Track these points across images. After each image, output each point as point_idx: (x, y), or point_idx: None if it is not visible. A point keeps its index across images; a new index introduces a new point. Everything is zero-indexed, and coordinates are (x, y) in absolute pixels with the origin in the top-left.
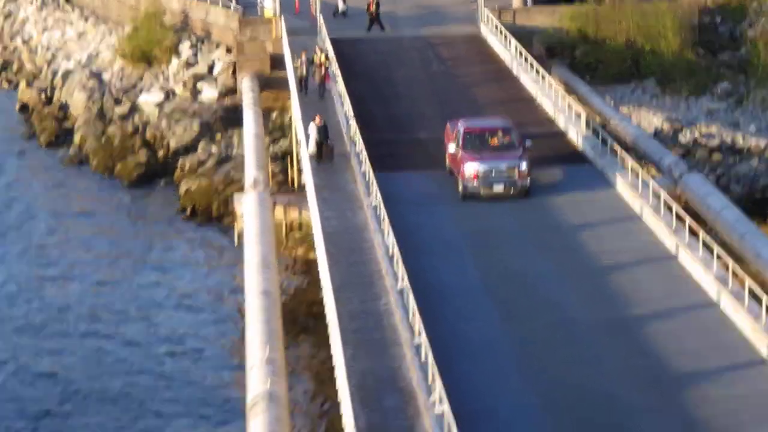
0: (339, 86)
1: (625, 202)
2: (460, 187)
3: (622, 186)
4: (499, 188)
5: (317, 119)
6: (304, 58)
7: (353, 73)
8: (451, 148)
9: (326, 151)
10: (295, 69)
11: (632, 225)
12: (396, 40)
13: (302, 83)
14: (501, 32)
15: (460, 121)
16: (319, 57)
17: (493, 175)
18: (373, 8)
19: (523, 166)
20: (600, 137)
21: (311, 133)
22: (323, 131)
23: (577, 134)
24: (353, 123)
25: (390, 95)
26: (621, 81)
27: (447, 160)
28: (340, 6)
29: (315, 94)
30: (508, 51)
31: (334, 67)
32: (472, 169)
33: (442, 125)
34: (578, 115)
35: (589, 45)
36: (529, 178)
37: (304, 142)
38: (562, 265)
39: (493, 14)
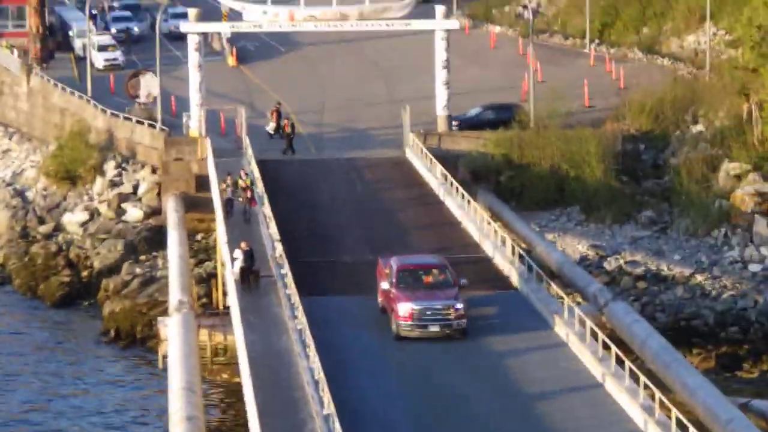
0: (264, 208)
1: (552, 330)
2: (394, 327)
3: (547, 314)
4: (434, 329)
5: (243, 244)
6: (229, 181)
7: (278, 194)
8: (384, 285)
9: (252, 277)
10: (221, 192)
11: (558, 353)
12: (321, 162)
13: (227, 207)
14: (426, 156)
15: (393, 258)
16: (244, 180)
17: (429, 314)
18: (288, 129)
19: (459, 305)
20: (526, 264)
21: (237, 258)
22: (249, 256)
23: (502, 260)
24: (278, 246)
25: (315, 217)
26: (546, 207)
27: (379, 297)
28: (270, 126)
29: (240, 218)
30: (433, 175)
31: (260, 190)
32: (406, 308)
33: (367, 248)
34: (503, 242)
35: (513, 170)
36: (465, 319)
37: (229, 266)
38: (490, 393)
39: (418, 138)
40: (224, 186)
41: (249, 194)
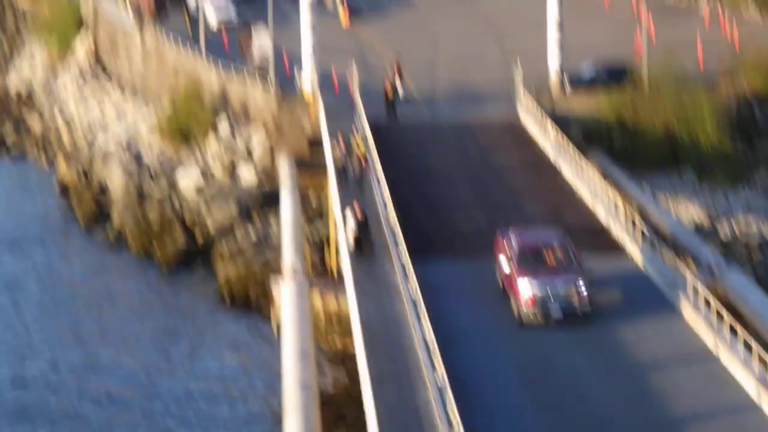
0: (377, 172)
1: (665, 298)
2: (515, 310)
3: (660, 281)
4: (558, 314)
5: (357, 212)
6: (341, 141)
7: (391, 157)
8: (503, 263)
9: (366, 246)
10: (335, 159)
11: (673, 323)
12: (433, 124)
13: (341, 172)
14: (539, 116)
15: (512, 234)
16: (356, 143)
17: (552, 298)
18: (390, 95)
19: (584, 288)
20: (639, 229)
21: (350, 226)
22: (363, 225)
23: (615, 224)
24: (392, 212)
25: (427, 181)
26: (659, 168)
27: (497, 273)
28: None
29: (354, 182)
30: (546, 136)
31: (373, 154)
32: (528, 291)
33: (480, 213)
34: (616, 206)
35: (627, 132)
36: (590, 303)
37: (343, 235)
38: (599, 361)
39: (530, 98)
40: (337, 150)
41: (363, 159)
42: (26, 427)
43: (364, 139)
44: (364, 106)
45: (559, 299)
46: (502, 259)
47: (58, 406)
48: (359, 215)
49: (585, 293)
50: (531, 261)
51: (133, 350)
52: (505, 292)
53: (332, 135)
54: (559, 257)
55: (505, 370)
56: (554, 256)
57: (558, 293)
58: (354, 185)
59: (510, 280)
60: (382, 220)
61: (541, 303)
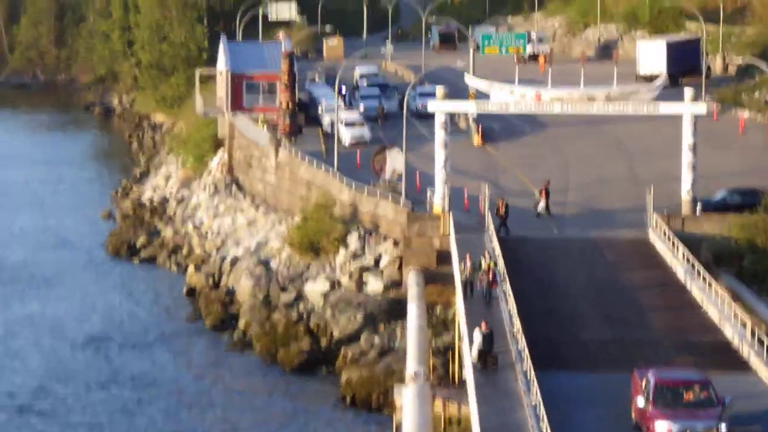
0: (506, 286)
1: None
2: None
3: None
4: None
5: (483, 326)
6: (468, 262)
7: (518, 271)
8: (640, 401)
9: (491, 361)
10: (461, 272)
11: None
12: (562, 240)
13: (468, 287)
14: (669, 239)
15: (650, 372)
16: (487, 262)
17: None
18: (502, 211)
19: (723, 428)
20: (766, 347)
21: (476, 339)
22: (488, 339)
23: (742, 343)
24: (516, 321)
25: (553, 295)
26: None
27: (632, 413)
28: (540, 205)
29: (481, 299)
30: (675, 257)
31: (502, 270)
32: (664, 429)
33: (606, 327)
34: (744, 325)
35: (757, 255)
36: None
37: (467, 349)
38: None
39: (662, 220)
40: (463, 267)
41: (491, 276)
42: None
43: (494, 261)
44: (494, 223)
45: None
46: (639, 400)
47: None
48: (485, 329)
49: None
50: (669, 398)
51: None
52: (639, 430)
53: (461, 248)
54: (699, 397)
55: None
56: (693, 395)
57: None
58: (481, 301)
59: (644, 419)
60: (508, 333)
61: None
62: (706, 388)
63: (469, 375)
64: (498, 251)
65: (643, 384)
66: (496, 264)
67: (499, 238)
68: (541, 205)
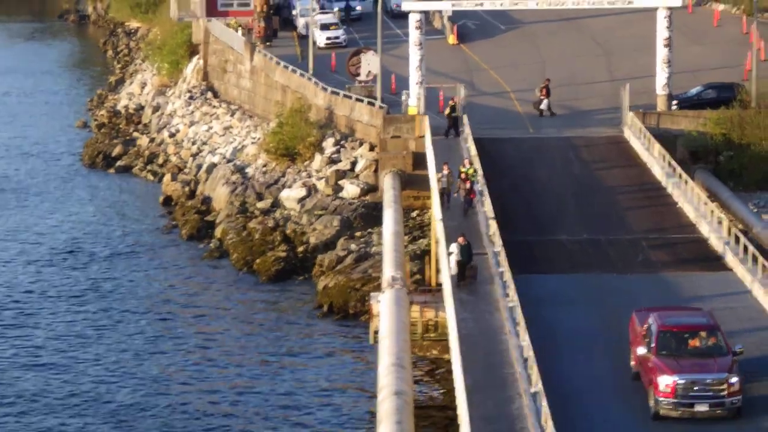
0: (484, 198)
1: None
2: (651, 402)
3: (762, 296)
4: (702, 408)
5: (460, 239)
6: (446, 171)
7: (495, 171)
8: (641, 349)
9: (469, 273)
10: (438, 181)
11: None
12: (538, 140)
13: (445, 196)
14: (644, 136)
15: (652, 315)
16: (466, 171)
17: (696, 390)
18: (448, 111)
19: (734, 379)
20: (741, 244)
21: (453, 252)
22: (466, 251)
23: (718, 241)
24: (492, 223)
25: (531, 196)
26: (765, 188)
27: (632, 360)
28: (543, 104)
29: (458, 208)
30: (651, 155)
31: (481, 181)
32: (668, 381)
33: (583, 227)
34: (720, 222)
35: (733, 150)
36: (740, 396)
37: (445, 261)
38: None
39: (637, 117)
40: (440, 176)
41: (468, 185)
42: (129, 427)
43: (474, 169)
44: (470, 123)
45: (706, 392)
46: (640, 348)
47: (157, 410)
48: (462, 241)
49: (737, 385)
50: (673, 346)
51: (234, 356)
52: (638, 380)
53: (437, 150)
54: (707, 344)
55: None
56: (700, 342)
57: (705, 384)
58: (459, 211)
59: (647, 369)
60: (484, 236)
61: (683, 394)
62: (714, 333)
63: (446, 281)
64: (473, 152)
65: (644, 330)
66: (476, 172)
67: (475, 138)
68: (545, 103)
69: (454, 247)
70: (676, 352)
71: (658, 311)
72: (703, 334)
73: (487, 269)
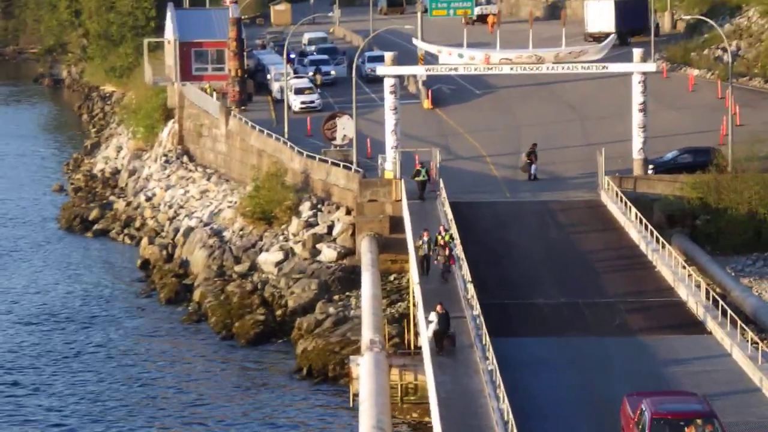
0: (462, 262)
1: (747, 375)
2: None
3: (741, 359)
4: None
5: (438, 307)
6: (426, 237)
7: (471, 235)
8: None
9: (447, 342)
10: (416, 249)
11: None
12: (515, 204)
13: (424, 264)
14: (621, 200)
15: (645, 401)
16: (443, 237)
17: None
18: (414, 175)
19: None
20: (720, 308)
21: (432, 320)
22: (444, 320)
23: (696, 304)
24: (470, 287)
25: (508, 259)
26: (743, 252)
27: None
28: (533, 168)
29: (437, 276)
30: (628, 219)
31: (459, 248)
32: None
33: (560, 291)
34: (698, 286)
35: (710, 214)
36: None
37: (423, 329)
38: None
39: (613, 182)
40: (420, 243)
41: (447, 252)
42: None
43: (451, 236)
44: (446, 187)
45: None
46: (630, 429)
47: None
48: (440, 310)
49: None
50: None
51: (213, 421)
52: None
53: (413, 214)
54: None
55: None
56: (697, 431)
57: None
58: (437, 279)
59: None
60: (462, 299)
61: None
62: (711, 421)
63: (425, 345)
64: (450, 216)
65: (636, 416)
66: (452, 239)
67: (451, 202)
68: (534, 168)
69: (433, 316)
70: None
71: (650, 396)
72: (699, 421)
73: (466, 332)
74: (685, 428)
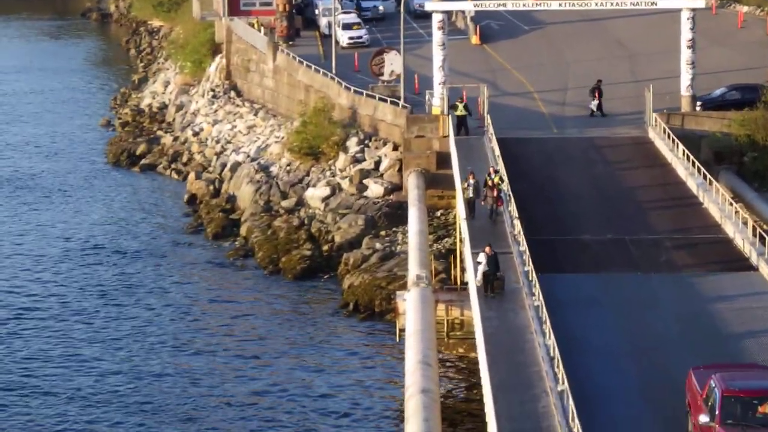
0: (507, 188)
1: None
2: None
3: None
4: None
5: (487, 249)
6: (471, 180)
7: (518, 172)
8: (702, 418)
9: (496, 284)
10: (463, 190)
11: None
12: (562, 140)
13: (470, 206)
14: (669, 137)
15: (714, 377)
16: (492, 178)
17: None
18: (456, 110)
19: None
20: (767, 245)
21: (480, 261)
22: (493, 262)
23: (743, 241)
24: (517, 223)
25: (555, 196)
26: None
27: (690, 424)
28: (593, 104)
29: (485, 218)
30: (675, 155)
31: (507, 189)
32: None
33: (607, 227)
34: (745, 222)
35: (757, 151)
36: None
37: (471, 273)
38: None
39: (661, 118)
40: (465, 185)
41: (495, 193)
42: (160, 423)
43: (501, 178)
44: (494, 123)
45: None
46: (702, 416)
47: (185, 407)
48: (489, 251)
49: None
50: (739, 414)
51: (260, 354)
52: None
53: (460, 152)
54: None
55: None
56: None
57: None
58: (485, 220)
59: None
60: (509, 235)
61: None
62: None
63: (472, 286)
64: (497, 152)
65: (705, 393)
66: (502, 180)
67: (499, 138)
68: (594, 103)
69: (482, 257)
70: (743, 421)
71: (719, 371)
72: None
73: (512, 268)
74: (759, 407)
